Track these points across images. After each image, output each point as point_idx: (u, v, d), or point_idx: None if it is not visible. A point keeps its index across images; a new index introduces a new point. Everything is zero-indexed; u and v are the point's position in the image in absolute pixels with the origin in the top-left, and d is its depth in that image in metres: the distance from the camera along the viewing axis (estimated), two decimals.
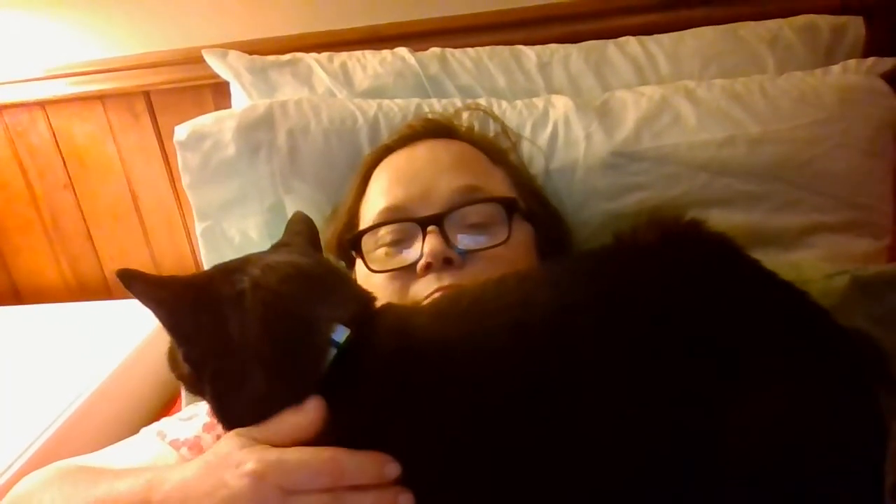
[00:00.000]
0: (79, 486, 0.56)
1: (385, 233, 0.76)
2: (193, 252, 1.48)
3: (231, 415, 0.52)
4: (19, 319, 1.44)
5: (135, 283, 0.50)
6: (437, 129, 0.87)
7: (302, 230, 0.64)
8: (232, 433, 0.50)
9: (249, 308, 0.50)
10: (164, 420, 0.84)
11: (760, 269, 0.55)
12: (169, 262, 1.52)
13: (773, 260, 0.56)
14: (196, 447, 0.77)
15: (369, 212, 0.80)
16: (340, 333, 0.50)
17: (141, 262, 1.52)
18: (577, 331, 0.50)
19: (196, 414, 0.82)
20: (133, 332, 1.29)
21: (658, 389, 0.48)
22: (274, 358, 0.49)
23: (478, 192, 0.76)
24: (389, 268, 0.74)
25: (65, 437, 1.07)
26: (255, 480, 0.45)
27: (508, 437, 0.48)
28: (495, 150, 0.87)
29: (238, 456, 0.47)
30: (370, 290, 0.69)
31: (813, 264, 0.83)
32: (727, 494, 0.46)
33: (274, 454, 0.47)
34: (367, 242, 0.78)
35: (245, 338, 0.50)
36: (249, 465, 0.46)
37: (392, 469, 0.47)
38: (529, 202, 0.82)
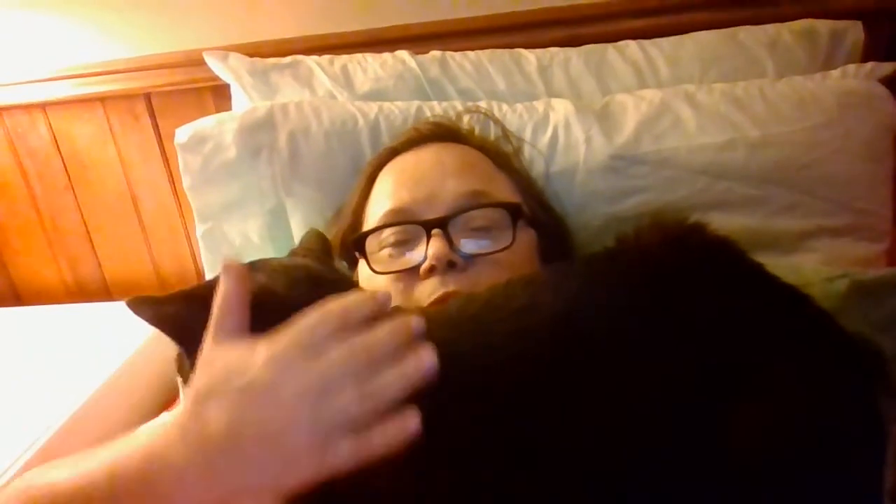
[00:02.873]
0: (85, 455, 0.55)
1: (389, 234, 0.77)
2: (193, 254, 1.48)
3: None
4: (19, 321, 1.43)
5: (142, 310, 0.50)
6: (443, 133, 0.87)
7: (315, 241, 0.64)
8: None
9: (256, 314, 0.50)
10: (164, 414, 0.84)
11: (763, 272, 0.55)
12: (169, 264, 1.52)
13: (773, 263, 0.56)
14: None
15: (374, 213, 0.80)
16: None
17: (140, 264, 1.52)
18: (582, 336, 0.50)
19: None
20: (133, 334, 1.28)
21: (662, 391, 0.48)
22: None
23: (483, 196, 0.77)
24: (393, 269, 0.74)
25: (64, 440, 1.07)
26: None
27: (512, 443, 0.48)
28: (500, 154, 0.88)
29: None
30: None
31: (813, 268, 0.83)
32: (729, 495, 0.46)
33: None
34: (370, 244, 0.78)
35: None
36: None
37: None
38: (533, 207, 0.83)
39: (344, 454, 0.42)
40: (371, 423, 0.42)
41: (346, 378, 0.43)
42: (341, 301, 0.45)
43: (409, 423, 0.42)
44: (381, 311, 0.45)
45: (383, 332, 0.44)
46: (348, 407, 0.42)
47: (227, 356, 0.46)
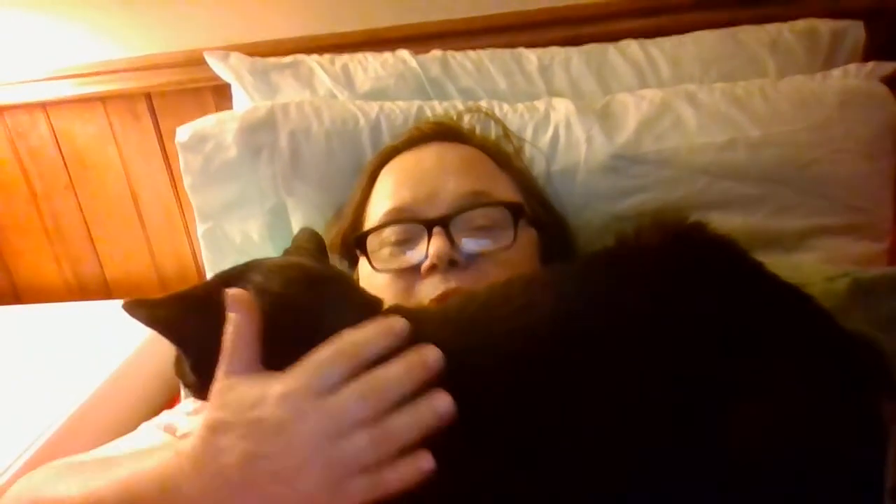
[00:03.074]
0: (94, 471, 0.55)
1: (390, 233, 0.77)
2: (194, 253, 1.48)
3: None
4: (19, 319, 1.43)
5: (137, 312, 0.51)
6: (445, 133, 0.87)
7: (309, 239, 0.64)
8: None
9: None
10: (165, 413, 0.85)
11: (764, 272, 0.55)
12: (169, 263, 1.52)
13: (774, 263, 0.56)
14: None
15: (375, 212, 0.80)
16: None
17: (141, 264, 1.52)
18: (582, 336, 0.50)
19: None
20: (133, 333, 1.28)
21: (662, 391, 0.48)
22: (280, 363, 0.49)
23: (484, 196, 0.77)
24: (394, 268, 0.75)
25: (65, 438, 1.07)
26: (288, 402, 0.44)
27: (512, 443, 0.48)
28: (501, 154, 0.88)
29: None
30: (373, 289, 0.69)
31: (813, 267, 0.83)
32: (729, 495, 0.46)
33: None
34: (371, 242, 0.78)
35: None
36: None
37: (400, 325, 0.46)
38: (534, 207, 0.83)
39: (357, 494, 0.43)
40: (384, 463, 0.43)
41: (358, 421, 0.43)
42: (355, 336, 0.45)
43: (423, 463, 0.42)
44: (396, 345, 0.45)
45: (398, 372, 0.44)
46: (361, 449, 0.43)
47: (240, 390, 0.46)
